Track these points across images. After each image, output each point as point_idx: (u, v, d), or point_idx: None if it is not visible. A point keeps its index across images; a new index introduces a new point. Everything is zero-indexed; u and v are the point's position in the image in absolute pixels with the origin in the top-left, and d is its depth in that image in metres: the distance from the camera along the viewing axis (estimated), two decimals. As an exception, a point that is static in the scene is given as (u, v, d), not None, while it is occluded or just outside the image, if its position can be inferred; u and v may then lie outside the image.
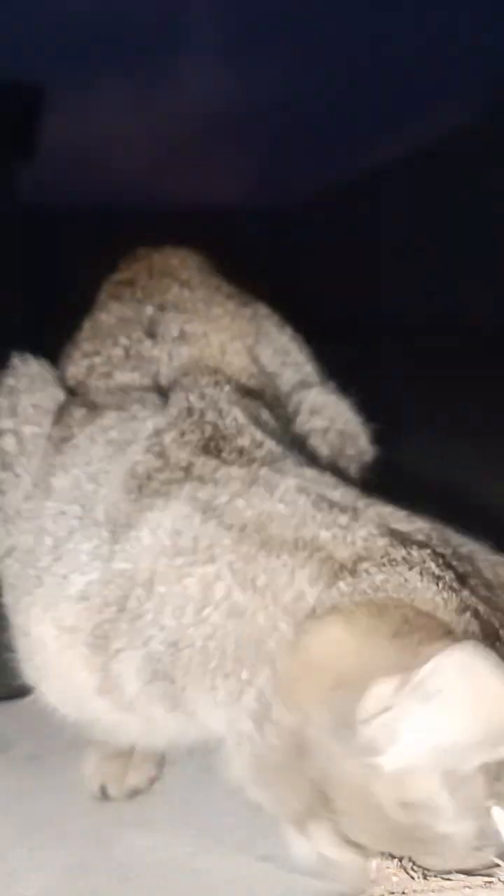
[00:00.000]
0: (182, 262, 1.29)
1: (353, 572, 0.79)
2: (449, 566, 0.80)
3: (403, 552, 0.80)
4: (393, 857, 0.76)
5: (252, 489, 0.87)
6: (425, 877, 0.77)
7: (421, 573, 0.78)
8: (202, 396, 1.00)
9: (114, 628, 0.86)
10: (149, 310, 1.17)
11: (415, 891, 0.75)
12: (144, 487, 0.90)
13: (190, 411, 0.97)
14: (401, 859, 0.76)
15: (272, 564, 0.81)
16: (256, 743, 0.80)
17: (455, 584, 0.78)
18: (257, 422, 0.98)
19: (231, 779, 0.85)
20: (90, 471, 0.94)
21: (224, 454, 0.92)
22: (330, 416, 1.16)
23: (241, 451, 0.92)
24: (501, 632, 0.77)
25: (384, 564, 0.79)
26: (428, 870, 0.78)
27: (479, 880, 0.76)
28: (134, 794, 1.08)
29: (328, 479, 0.92)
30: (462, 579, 0.79)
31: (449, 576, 0.79)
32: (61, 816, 1.05)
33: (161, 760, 1.12)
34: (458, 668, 0.68)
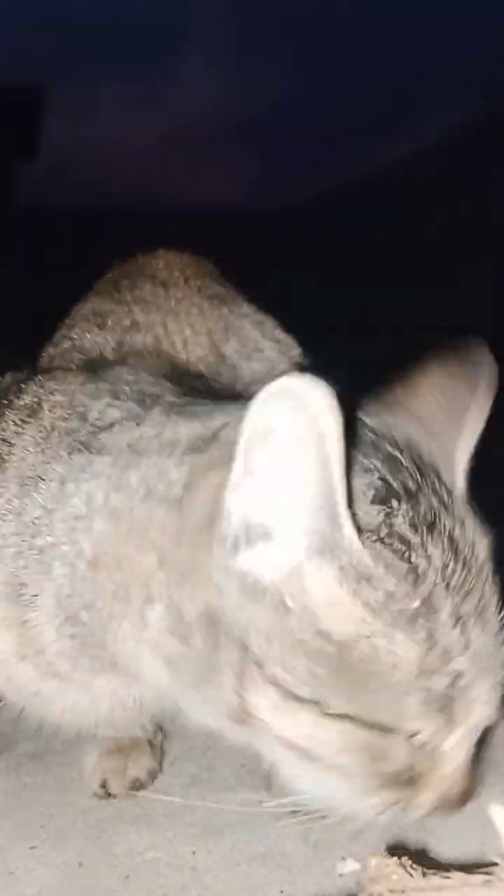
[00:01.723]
0: (167, 264, 1.31)
1: (215, 439, 0.80)
2: None
3: None
4: (392, 854, 0.76)
5: (126, 423, 0.88)
6: (424, 875, 0.77)
7: None
8: (132, 369, 1.01)
9: (26, 571, 0.87)
10: (108, 304, 1.20)
11: (413, 889, 0.75)
12: (50, 438, 0.92)
13: (112, 377, 0.98)
14: (400, 857, 0.76)
15: (142, 465, 0.83)
16: (185, 655, 0.78)
17: None
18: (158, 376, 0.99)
19: (164, 707, 0.85)
20: (6, 434, 0.96)
21: (119, 397, 0.93)
22: None
23: (135, 392, 0.93)
24: (370, 450, 0.78)
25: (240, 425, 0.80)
26: (427, 868, 0.78)
27: (478, 878, 0.76)
28: (136, 788, 1.09)
29: (200, 400, 0.92)
30: None
31: None
32: (62, 815, 1.06)
33: (160, 755, 1.13)
34: (276, 402, 0.67)
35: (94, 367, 1.06)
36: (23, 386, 1.01)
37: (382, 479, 0.76)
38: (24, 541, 0.88)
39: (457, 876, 0.76)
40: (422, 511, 0.76)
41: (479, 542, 0.79)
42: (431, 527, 0.76)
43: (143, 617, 0.80)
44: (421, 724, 0.75)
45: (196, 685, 0.79)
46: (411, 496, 0.76)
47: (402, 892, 0.75)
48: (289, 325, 1.31)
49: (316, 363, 1.31)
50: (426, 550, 0.74)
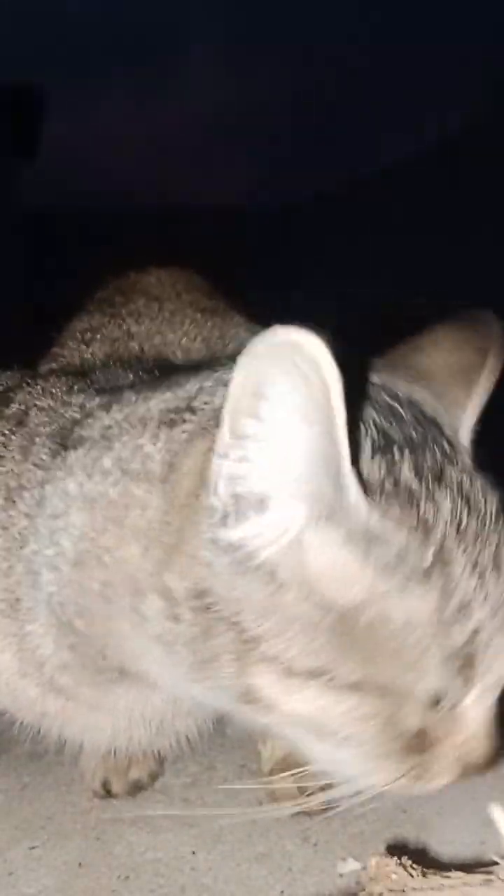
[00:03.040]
0: (159, 280, 1.32)
1: (190, 409, 0.76)
2: None
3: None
4: (392, 854, 0.76)
5: (97, 412, 0.85)
6: (424, 875, 0.77)
7: None
8: (116, 369, 1.00)
9: (19, 586, 0.85)
10: (99, 319, 1.20)
11: (413, 889, 0.75)
12: (34, 445, 0.89)
13: (97, 377, 0.97)
14: (399, 857, 0.76)
15: (114, 447, 0.79)
16: (179, 636, 0.74)
17: None
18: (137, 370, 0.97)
19: (178, 696, 0.81)
20: None
21: (89, 389, 0.92)
22: None
23: (105, 384, 0.92)
24: (366, 403, 0.74)
25: (219, 388, 0.76)
26: (427, 868, 0.78)
27: (477, 878, 0.76)
28: (136, 789, 1.09)
29: (174, 374, 0.88)
30: None
31: None
32: (62, 815, 1.06)
33: (162, 756, 1.13)
34: (268, 353, 0.63)
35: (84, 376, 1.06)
36: (11, 395, 1.00)
37: (380, 430, 0.72)
38: (13, 554, 0.86)
39: (457, 876, 0.76)
40: (427, 461, 0.72)
41: (490, 494, 0.76)
42: (439, 476, 0.72)
43: (138, 611, 0.76)
44: (440, 684, 0.71)
45: (198, 668, 0.74)
46: (415, 446, 0.73)
47: (402, 891, 0.75)
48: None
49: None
50: (434, 499, 0.70)
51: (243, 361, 0.64)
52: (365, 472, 0.69)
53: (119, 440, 0.80)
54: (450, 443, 0.78)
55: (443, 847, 0.93)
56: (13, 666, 0.88)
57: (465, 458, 0.78)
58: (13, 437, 0.93)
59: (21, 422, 0.94)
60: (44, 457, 0.87)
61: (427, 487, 0.71)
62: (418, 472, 0.71)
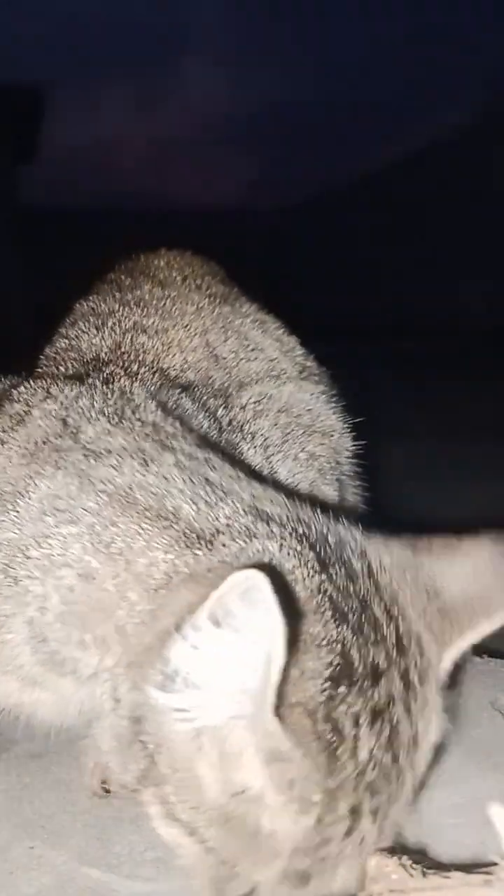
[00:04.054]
0: (167, 263, 1.32)
1: (210, 543, 0.79)
2: (312, 548, 0.80)
3: (266, 528, 0.80)
4: (392, 854, 0.76)
5: (129, 460, 0.87)
6: (424, 875, 0.77)
7: (281, 546, 0.78)
8: (121, 379, 1.02)
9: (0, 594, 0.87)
10: (109, 304, 1.21)
11: (413, 889, 0.76)
12: (38, 452, 0.90)
13: (103, 391, 0.99)
14: (399, 857, 0.76)
15: (130, 530, 0.82)
16: (111, 717, 0.81)
17: (315, 565, 0.78)
18: (165, 407, 0.99)
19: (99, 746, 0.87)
20: None
21: (123, 423, 0.93)
22: (298, 412, 1.16)
23: (141, 423, 0.94)
24: (351, 617, 0.76)
25: (242, 537, 0.79)
26: (427, 868, 0.78)
27: (477, 878, 0.76)
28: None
29: (217, 461, 0.91)
30: (323, 563, 0.78)
31: (310, 556, 0.79)
32: (62, 814, 1.06)
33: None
34: (239, 591, 0.67)
35: (87, 372, 1.06)
36: (14, 392, 1.00)
37: (345, 655, 0.74)
38: None
39: (457, 876, 0.76)
40: (375, 697, 0.74)
41: (425, 735, 0.78)
42: (378, 715, 0.74)
43: (94, 670, 0.83)
44: (269, 887, 0.75)
45: (117, 739, 0.81)
46: (373, 678, 0.74)
47: (402, 891, 0.75)
48: (287, 325, 1.31)
49: (316, 364, 1.31)
50: (357, 743, 0.72)
51: (225, 585, 0.68)
52: (305, 692, 0.71)
53: (138, 523, 0.82)
54: (419, 671, 0.78)
55: (443, 847, 0.92)
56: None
57: (428, 689, 0.79)
58: (12, 434, 0.93)
59: (22, 421, 0.94)
60: (48, 468, 0.88)
61: (357, 730, 0.73)
62: (355, 714, 0.73)
